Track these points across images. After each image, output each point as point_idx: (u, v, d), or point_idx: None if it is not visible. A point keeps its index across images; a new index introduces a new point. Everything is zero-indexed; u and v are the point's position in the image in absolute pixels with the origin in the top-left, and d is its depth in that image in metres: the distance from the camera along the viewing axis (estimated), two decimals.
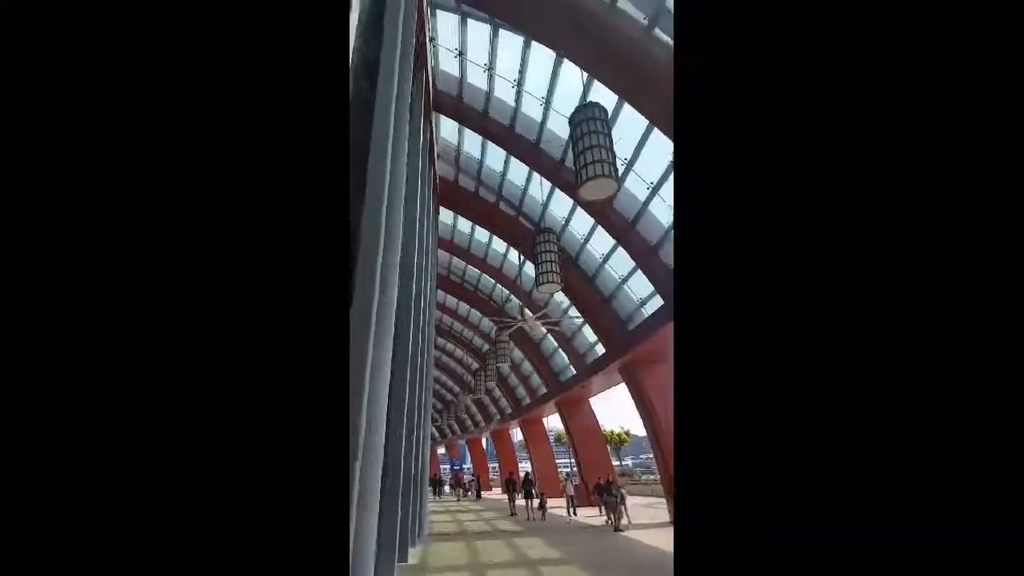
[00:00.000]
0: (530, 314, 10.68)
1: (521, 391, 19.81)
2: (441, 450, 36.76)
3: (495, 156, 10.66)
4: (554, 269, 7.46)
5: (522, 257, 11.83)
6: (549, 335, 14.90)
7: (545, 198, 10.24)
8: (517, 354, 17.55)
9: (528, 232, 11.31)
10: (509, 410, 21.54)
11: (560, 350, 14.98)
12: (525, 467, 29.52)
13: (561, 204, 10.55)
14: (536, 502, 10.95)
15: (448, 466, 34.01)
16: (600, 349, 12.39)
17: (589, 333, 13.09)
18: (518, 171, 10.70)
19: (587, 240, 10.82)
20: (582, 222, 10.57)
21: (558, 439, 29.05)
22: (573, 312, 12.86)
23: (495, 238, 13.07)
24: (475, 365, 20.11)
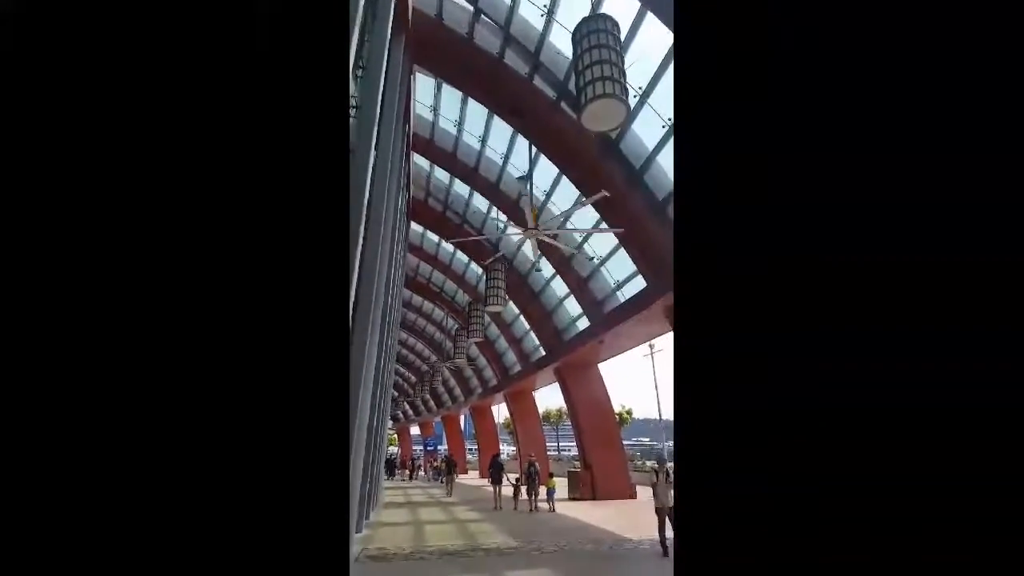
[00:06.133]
0: (535, 236, 7.14)
1: (510, 357, 16.48)
2: (415, 430, 33.69)
3: None
4: (614, 76, 3.96)
5: (534, 150, 8.24)
6: (559, 278, 11.50)
7: None
8: (511, 311, 14.15)
9: (538, 99, 7.72)
10: (494, 381, 18.25)
11: (571, 299, 11.60)
12: (508, 449, 26.62)
13: None
14: (540, 491, 8.82)
15: (421, 447, 30.93)
16: (631, 290, 9.09)
17: (617, 268, 9.74)
18: None
19: (642, 104, 6.91)
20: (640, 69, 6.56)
21: (545, 417, 26.12)
22: (595, 247, 9.45)
23: (494, 130, 9.29)
24: (457, 327, 16.60)
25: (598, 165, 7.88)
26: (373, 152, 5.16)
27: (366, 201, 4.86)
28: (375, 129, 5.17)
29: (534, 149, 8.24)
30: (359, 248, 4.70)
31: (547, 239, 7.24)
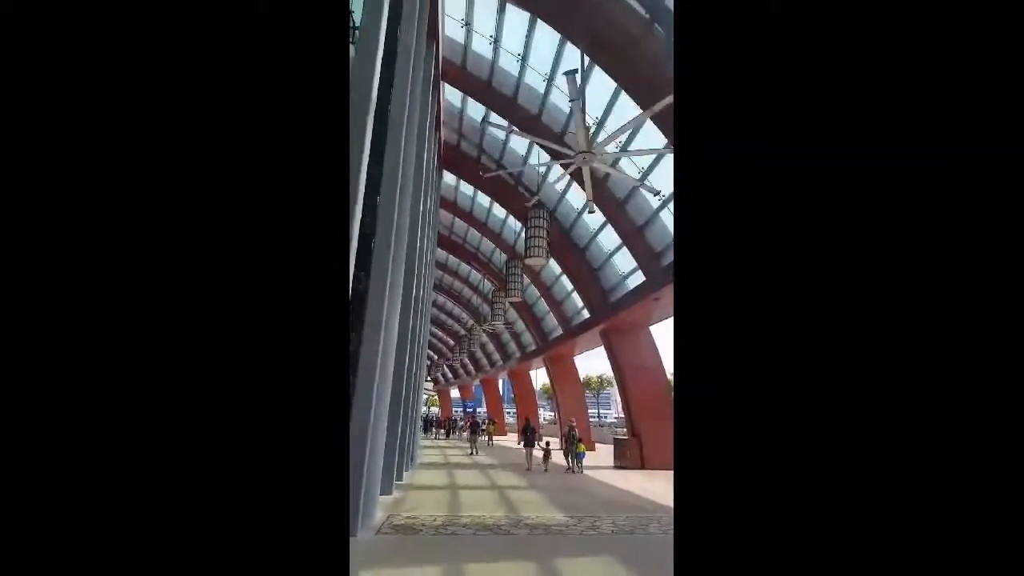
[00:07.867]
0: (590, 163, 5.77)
1: (551, 321, 15.50)
2: (455, 392, 34.29)
3: None
4: None
5: (586, 59, 6.75)
6: (607, 229, 10.14)
7: None
8: (551, 272, 13.01)
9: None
10: (532, 346, 17.46)
11: (621, 254, 10.25)
12: (545, 414, 26.26)
13: None
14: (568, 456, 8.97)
15: (461, 409, 31.49)
16: None
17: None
18: None
19: None
20: None
21: (586, 384, 25.34)
22: (656, 185, 7.94)
23: (537, 43, 7.72)
24: (494, 289, 15.70)
25: (666, 75, 6.30)
26: (382, 41, 4.04)
27: (369, 124, 3.81)
28: (385, 12, 4.03)
29: (587, 58, 6.74)
30: (362, 176, 3.71)
31: (604, 167, 5.94)
